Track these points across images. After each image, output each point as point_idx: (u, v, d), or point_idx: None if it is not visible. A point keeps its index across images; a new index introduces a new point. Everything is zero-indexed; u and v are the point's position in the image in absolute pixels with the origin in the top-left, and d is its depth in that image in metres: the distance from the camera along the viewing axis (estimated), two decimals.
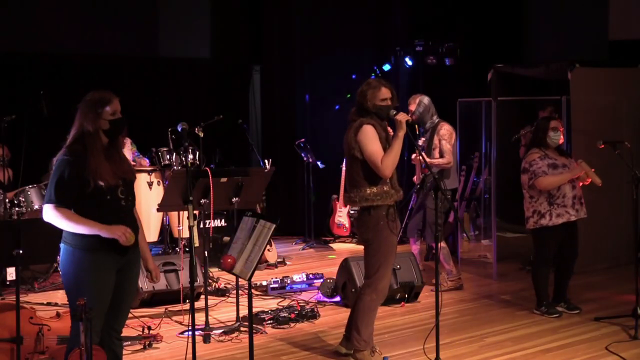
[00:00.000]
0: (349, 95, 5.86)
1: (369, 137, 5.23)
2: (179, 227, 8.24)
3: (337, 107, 10.36)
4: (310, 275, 7.70)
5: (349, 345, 5.55)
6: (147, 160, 8.76)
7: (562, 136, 6.67)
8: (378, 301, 5.42)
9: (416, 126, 5.33)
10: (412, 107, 7.62)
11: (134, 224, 4.30)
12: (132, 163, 8.41)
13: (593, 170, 6.60)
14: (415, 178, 7.97)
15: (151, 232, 8.49)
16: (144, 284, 6.74)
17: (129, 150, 8.58)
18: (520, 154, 9.00)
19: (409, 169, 10.75)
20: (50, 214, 4.13)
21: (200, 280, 6.79)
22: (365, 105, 5.33)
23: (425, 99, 7.59)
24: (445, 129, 7.51)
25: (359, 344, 5.42)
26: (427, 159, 7.29)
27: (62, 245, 4.23)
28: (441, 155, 7.43)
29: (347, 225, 10.34)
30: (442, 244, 7.61)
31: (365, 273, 5.51)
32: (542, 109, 8.89)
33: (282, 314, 6.53)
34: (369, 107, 5.32)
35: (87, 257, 4.15)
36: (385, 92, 5.35)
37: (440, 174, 7.53)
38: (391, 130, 5.43)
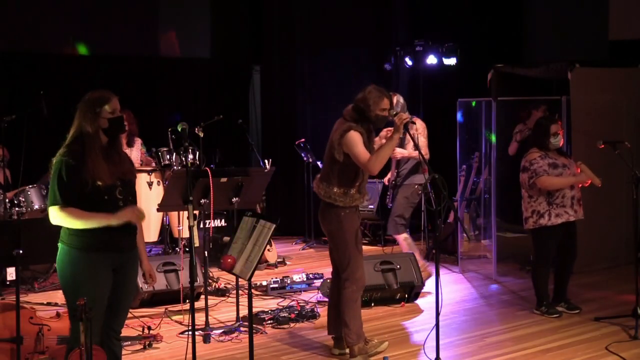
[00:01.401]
0: None
1: (354, 142, 5.34)
2: (179, 227, 8.24)
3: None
4: (310, 275, 7.70)
5: (342, 344, 5.64)
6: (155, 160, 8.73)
7: (562, 139, 6.67)
8: (359, 292, 5.54)
9: (415, 126, 5.35)
10: None
11: (133, 224, 4.29)
12: (138, 163, 8.45)
13: (597, 178, 6.61)
14: (386, 179, 8.10)
15: (151, 232, 8.48)
16: (143, 284, 6.73)
17: (138, 150, 8.58)
18: (510, 150, 9.01)
19: None
20: (58, 215, 4.11)
21: (200, 280, 6.79)
22: (367, 114, 5.44)
23: (401, 98, 7.65)
24: (420, 123, 7.62)
25: (350, 339, 5.46)
26: (404, 152, 7.53)
27: (59, 245, 4.22)
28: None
29: None
30: (405, 235, 7.73)
31: (339, 268, 5.57)
32: (536, 109, 8.89)
33: (282, 314, 6.53)
34: (370, 117, 5.44)
35: (83, 256, 4.15)
36: (386, 103, 5.48)
37: (415, 168, 7.63)
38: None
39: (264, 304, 7.08)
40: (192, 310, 4.46)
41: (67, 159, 4.12)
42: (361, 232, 5.78)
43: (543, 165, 6.51)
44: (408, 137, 7.54)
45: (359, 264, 5.54)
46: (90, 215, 4.11)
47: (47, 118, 8.04)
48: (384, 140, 6.87)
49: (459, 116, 8.93)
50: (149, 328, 5.95)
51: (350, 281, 5.48)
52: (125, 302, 4.40)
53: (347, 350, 5.62)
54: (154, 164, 8.63)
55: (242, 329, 6.23)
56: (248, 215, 4.70)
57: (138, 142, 8.63)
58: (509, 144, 9.11)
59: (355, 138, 5.34)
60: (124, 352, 4.87)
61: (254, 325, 5.06)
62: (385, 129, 7.03)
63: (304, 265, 9.01)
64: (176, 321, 6.60)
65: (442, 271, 7.46)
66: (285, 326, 6.41)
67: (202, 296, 6.58)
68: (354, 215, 5.52)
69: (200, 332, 6.06)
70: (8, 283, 7.48)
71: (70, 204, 4.10)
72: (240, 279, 5.83)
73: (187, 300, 6.39)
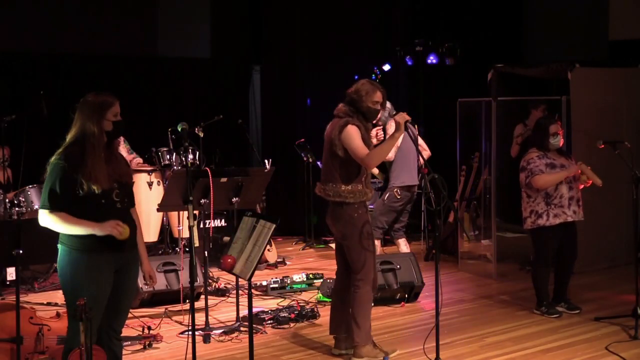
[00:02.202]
0: None
1: (352, 136, 5.31)
2: (179, 227, 8.24)
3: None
4: (310, 275, 7.70)
5: (345, 344, 5.64)
6: (140, 159, 8.71)
7: (562, 139, 6.67)
8: (372, 292, 5.53)
9: (415, 126, 5.33)
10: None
11: (132, 225, 4.29)
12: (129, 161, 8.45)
13: (589, 168, 6.60)
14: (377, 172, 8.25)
15: (151, 232, 8.48)
16: (144, 284, 6.73)
17: (123, 149, 8.57)
18: (512, 153, 9.02)
19: None
20: (45, 219, 4.16)
21: (200, 280, 6.79)
22: (358, 105, 5.41)
23: (389, 104, 7.68)
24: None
25: (359, 338, 5.44)
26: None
27: (59, 246, 4.24)
28: None
29: None
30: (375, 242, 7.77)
31: (352, 269, 5.53)
32: (535, 108, 8.90)
33: (282, 314, 6.53)
34: (361, 108, 5.41)
35: (83, 257, 4.15)
36: (379, 96, 5.46)
37: (397, 171, 7.71)
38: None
39: (264, 304, 7.08)
40: (192, 310, 4.45)
41: (63, 162, 4.12)
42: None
43: (540, 165, 6.51)
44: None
45: (373, 264, 5.52)
46: (76, 221, 4.13)
47: (47, 118, 8.04)
48: (374, 141, 6.92)
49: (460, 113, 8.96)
50: (149, 328, 5.95)
51: (364, 281, 5.45)
52: (126, 302, 4.40)
53: (346, 351, 5.61)
54: (136, 161, 8.58)
55: (242, 328, 6.24)
56: (248, 215, 4.70)
57: (120, 139, 8.60)
58: (511, 146, 9.12)
59: (352, 132, 5.32)
60: (124, 352, 4.86)
61: (254, 325, 5.06)
62: (374, 129, 7.06)
63: (304, 265, 9.01)
64: (176, 321, 6.60)
65: (442, 271, 7.46)
66: (285, 326, 6.41)
67: (202, 296, 6.58)
68: (365, 216, 5.48)
69: (200, 332, 6.06)
70: (8, 283, 7.48)
71: (59, 208, 4.12)
72: (240, 279, 5.83)
73: (187, 300, 6.39)
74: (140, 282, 6.56)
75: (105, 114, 4.21)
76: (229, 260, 4.58)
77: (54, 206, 4.12)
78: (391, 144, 5.33)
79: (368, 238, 5.46)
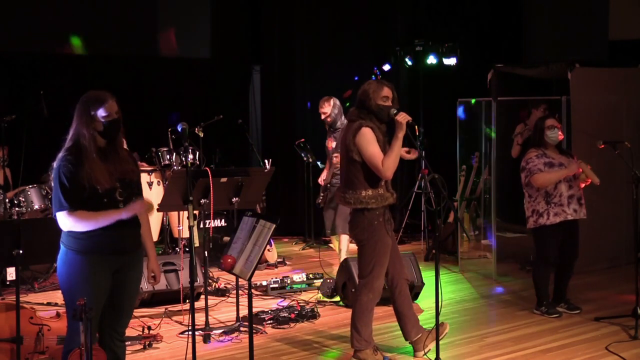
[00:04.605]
0: (347, 104, 6.39)
1: (368, 140, 5.23)
2: (179, 227, 8.24)
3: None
4: (310, 275, 7.70)
5: (420, 345, 5.61)
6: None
7: (560, 133, 6.65)
8: (374, 300, 5.46)
9: (416, 127, 5.29)
10: (327, 110, 8.08)
11: (135, 224, 4.28)
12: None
13: (589, 167, 6.61)
14: (321, 179, 8.38)
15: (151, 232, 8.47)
16: (144, 284, 6.72)
17: None
18: (513, 153, 9.02)
19: (409, 170, 10.75)
20: (67, 221, 4.09)
21: (200, 280, 6.79)
22: (367, 104, 5.33)
23: (337, 101, 7.76)
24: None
25: (359, 344, 5.43)
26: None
27: (60, 245, 4.22)
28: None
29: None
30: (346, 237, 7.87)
31: (359, 273, 5.52)
32: (536, 108, 8.90)
33: (282, 314, 6.53)
34: (371, 107, 5.32)
35: (79, 259, 4.13)
36: (387, 92, 5.36)
37: None
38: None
39: (264, 304, 7.08)
40: (192, 310, 4.45)
41: (65, 163, 4.09)
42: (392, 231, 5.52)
43: (538, 164, 6.52)
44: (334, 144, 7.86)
45: (381, 274, 5.40)
46: (99, 214, 4.08)
47: (47, 118, 8.05)
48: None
49: (460, 111, 8.92)
50: (149, 328, 5.95)
51: (367, 288, 5.39)
52: (128, 304, 4.37)
53: (424, 344, 5.58)
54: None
55: (242, 328, 6.24)
56: (248, 215, 4.70)
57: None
58: (511, 146, 9.11)
59: (368, 135, 5.22)
60: None
61: (254, 325, 5.06)
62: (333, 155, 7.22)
63: (304, 265, 9.01)
64: (176, 321, 6.60)
65: (442, 271, 7.46)
66: (285, 326, 6.41)
67: (202, 296, 6.58)
68: (384, 226, 5.34)
69: (200, 332, 6.06)
70: (8, 283, 7.48)
71: (77, 207, 4.07)
72: (240, 279, 5.83)
73: (187, 300, 6.39)
74: (143, 280, 6.55)
75: (94, 114, 4.13)
76: (229, 260, 4.58)
77: (72, 205, 4.06)
78: (399, 146, 5.20)
79: (382, 248, 5.35)
